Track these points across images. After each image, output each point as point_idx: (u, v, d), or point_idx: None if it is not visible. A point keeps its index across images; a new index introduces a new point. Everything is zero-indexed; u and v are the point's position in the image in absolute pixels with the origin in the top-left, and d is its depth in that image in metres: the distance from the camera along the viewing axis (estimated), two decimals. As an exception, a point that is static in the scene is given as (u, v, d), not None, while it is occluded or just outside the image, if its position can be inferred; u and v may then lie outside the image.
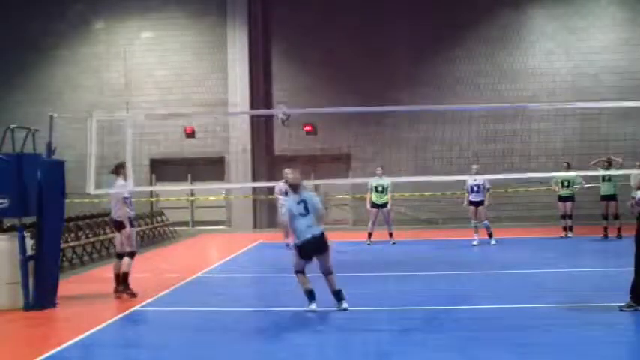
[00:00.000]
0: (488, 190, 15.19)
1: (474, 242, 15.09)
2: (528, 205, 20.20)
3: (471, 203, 15.16)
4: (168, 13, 22.00)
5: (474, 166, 15.38)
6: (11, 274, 9.02)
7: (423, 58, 21.07)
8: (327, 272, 8.42)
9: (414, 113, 19.67)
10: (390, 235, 15.92)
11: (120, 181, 9.84)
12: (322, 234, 8.35)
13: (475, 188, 15.00)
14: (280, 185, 13.97)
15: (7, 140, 9.48)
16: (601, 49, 20.66)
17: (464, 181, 15.36)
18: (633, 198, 9.70)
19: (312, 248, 8.32)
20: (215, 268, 12.91)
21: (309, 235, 8.26)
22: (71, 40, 22.33)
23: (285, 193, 12.48)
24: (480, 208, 15.05)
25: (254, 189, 21.02)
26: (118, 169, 9.91)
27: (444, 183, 18.33)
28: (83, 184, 9.17)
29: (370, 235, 15.81)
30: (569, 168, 16.36)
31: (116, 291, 9.79)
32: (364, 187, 16.75)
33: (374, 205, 15.83)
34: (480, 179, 14.81)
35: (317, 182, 20.64)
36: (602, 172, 15.29)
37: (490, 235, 15.10)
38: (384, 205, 15.83)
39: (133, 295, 9.65)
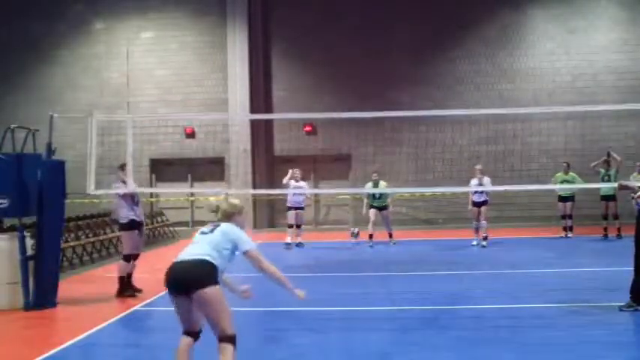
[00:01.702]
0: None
1: (474, 242, 15.07)
2: (528, 205, 20.20)
3: (474, 204, 15.06)
4: (168, 13, 22.00)
5: (478, 166, 15.10)
6: (11, 274, 9.02)
7: (423, 58, 21.07)
8: (219, 337, 5.28)
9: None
10: (390, 235, 15.89)
11: (117, 183, 9.85)
12: (200, 263, 5.12)
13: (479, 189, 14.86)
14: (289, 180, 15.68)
15: (7, 140, 9.48)
16: (601, 49, 20.67)
17: (467, 183, 15.20)
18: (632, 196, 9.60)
19: (176, 278, 5.13)
20: (215, 268, 12.89)
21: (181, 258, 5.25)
22: (71, 40, 22.33)
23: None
24: (483, 208, 14.97)
25: (254, 188, 21.00)
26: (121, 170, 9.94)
27: (444, 183, 18.33)
28: (83, 184, 9.19)
29: (371, 236, 15.66)
30: (568, 168, 16.37)
31: (119, 293, 9.79)
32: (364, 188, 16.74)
33: (372, 207, 15.79)
34: (484, 181, 14.66)
35: (317, 191, 20.81)
36: (601, 185, 15.25)
37: (485, 238, 14.94)
38: (384, 208, 15.82)
39: (133, 294, 9.66)
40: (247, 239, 5.38)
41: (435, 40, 20.99)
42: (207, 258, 5.14)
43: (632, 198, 8.71)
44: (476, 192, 14.88)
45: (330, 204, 21.98)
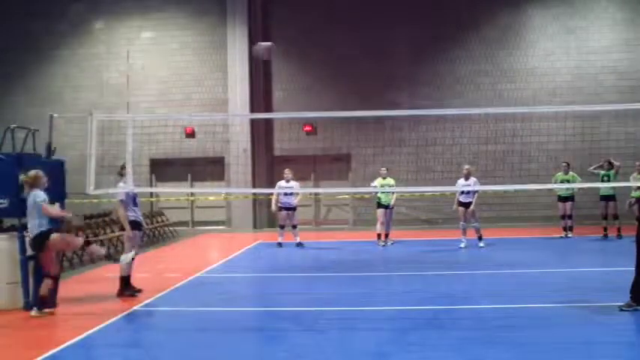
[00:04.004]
0: (476, 191, 14.75)
1: (462, 245, 14.70)
2: (528, 205, 20.18)
3: (461, 204, 14.85)
4: (168, 13, 22.01)
5: (466, 166, 14.96)
6: (11, 274, 9.02)
7: (423, 58, 21.08)
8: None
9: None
10: (386, 236, 15.82)
11: (121, 183, 9.86)
12: (39, 235, 8.57)
13: (465, 189, 14.59)
14: (280, 183, 16.05)
15: (7, 140, 9.48)
16: (601, 49, 20.66)
17: (456, 182, 15.01)
18: (630, 201, 9.80)
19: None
20: (215, 268, 12.92)
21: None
22: (71, 40, 22.33)
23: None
24: (469, 209, 14.70)
25: (254, 188, 21.02)
26: (121, 171, 9.94)
27: (444, 183, 18.30)
28: (83, 184, 9.17)
29: (380, 236, 15.63)
30: (568, 168, 16.38)
31: (119, 293, 9.80)
32: (365, 187, 16.71)
33: (380, 205, 15.71)
34: (470, 182, 14.49)
35: (319, 190, 20.80)
36: (601, 184, 15.25)
37: (480, 238, 14.75)
38: (390, 206, 15.76)
39: (133, 294, 9.66)
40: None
41: (434, 40, 20.98)
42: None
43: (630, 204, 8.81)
44: (462, 192, 14.65)
45: (330, 204, 21.99)
